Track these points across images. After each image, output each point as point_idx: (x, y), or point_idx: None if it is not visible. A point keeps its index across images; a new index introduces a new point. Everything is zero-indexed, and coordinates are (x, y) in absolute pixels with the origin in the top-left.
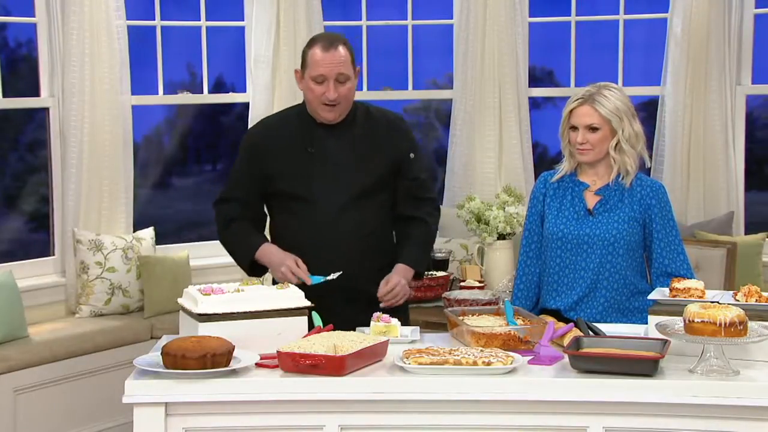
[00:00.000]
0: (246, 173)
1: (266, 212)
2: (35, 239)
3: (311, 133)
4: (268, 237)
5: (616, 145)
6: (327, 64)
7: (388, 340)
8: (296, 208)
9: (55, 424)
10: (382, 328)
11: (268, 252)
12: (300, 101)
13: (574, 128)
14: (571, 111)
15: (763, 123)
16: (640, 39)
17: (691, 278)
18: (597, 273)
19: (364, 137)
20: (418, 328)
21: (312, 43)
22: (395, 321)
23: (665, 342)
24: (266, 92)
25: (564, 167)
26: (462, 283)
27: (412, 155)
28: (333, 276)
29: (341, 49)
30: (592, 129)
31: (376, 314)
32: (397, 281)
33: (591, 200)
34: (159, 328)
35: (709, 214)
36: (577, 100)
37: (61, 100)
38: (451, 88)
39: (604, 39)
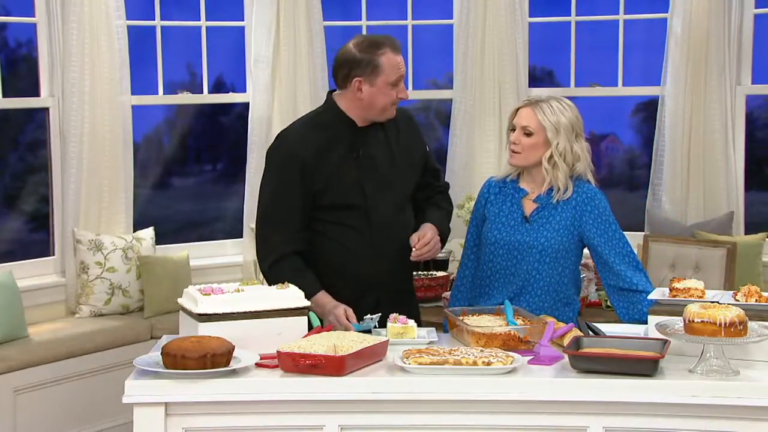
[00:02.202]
0: (293, 191)
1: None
2: (35, 239)
3: (352, 138)
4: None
5: (549, 157)
6: (401, 65)
7: (387, 340)
8: (349, 217)
9: (55, 424)
10: (399, 329)
11: (321, 303)
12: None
13: (512, 130)
14: (515, 111)
15: (763, 123)
16: (640, 39)
17: (641, 279)
18: (524, 280)
19: (395, 137)
20: (434, 329)
21: (378, 47)
22: (412, 322)
23: (665, 342)
24: (266, 92)
25: (507, 168)
26: None
27: (427, 147)
28: (371, 319)
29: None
30: (527, 133)
31: (393, 315)
32: (432, 234)
33: (529, 207)
34: (159, 328)
35: (709, 214)
36: (525, 101)
37: (61, 100)
38: (451, 88)
39: (604, 39)
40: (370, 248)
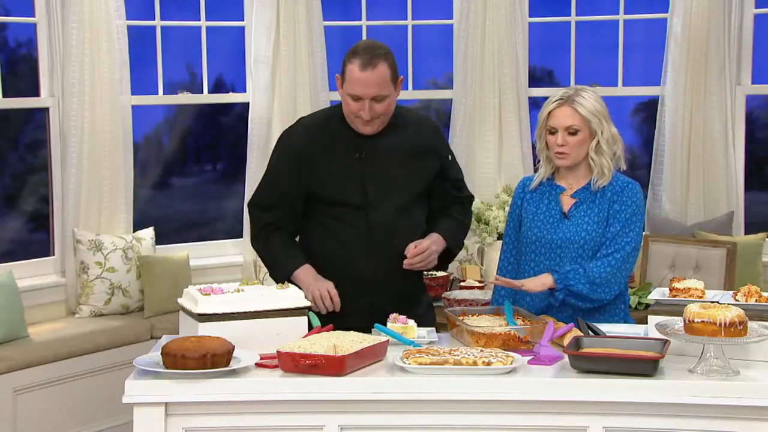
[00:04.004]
0: (289, 179)
1: (303, 217)
2: (35, 239)
3: (357, 138)
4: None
5: (596, 146)
6: (363, 84)
7: (387, 339)
8: (347, 214)
9: (55, 424)
10: (398, 329)
11: (304, 276)
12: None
13: (551, 132)
14: (549, 113)
15: (763, 123)
16: (640, 39)
17: (617, 248)
18: None
19: (409, 141)
20: (434, 329)
21: (353, 55)
22: (412, 322)
23: (665, 342)
24: (266, 92)
25: (541, 173)
26: (462, 283)
27: (450, 157)
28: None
29: (380, 68)
30: (572, 132)
31: (393, 315)
32: (428, 245)
33: (567, 203)
34: (159, 328)
35: (709, 214)
36: (556, 101)
37: (61, 100)
38: (451, 88)
39: (604, 39)
40: (368, 248)
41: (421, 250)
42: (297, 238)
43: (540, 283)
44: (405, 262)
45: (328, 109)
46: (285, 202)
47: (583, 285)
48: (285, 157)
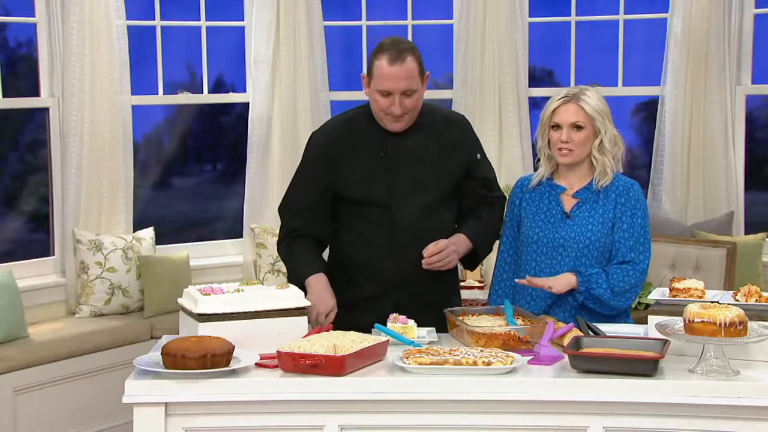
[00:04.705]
0: (315, 181)
1: (332, 219)
2: (35, 239)
3: (383, 137)
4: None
5: (599, 144)
6: (393, 78)
7: (387, 339)
8: (372, 213)
9: (55, 424)
10: (399, 329)
11: (314, 284)
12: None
13: (555, 128)
14: (554, 110)
15: (763, 123)
16: (640, 39)
17: (637, 259)
18: None
19: (437, 139)
20: (434, 329)
21: (379, 51)
22: (412, 322)
23: (665, 342)
24: (266, 92)
25: (540, 171)
26: (462, 283)
27: (478, 156)
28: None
29: (409, 62)
30: (577, 127)
31: (393, 315)
32: (446, 244)
33: (568, 203)
34: (159, 328)
35: (709, 214)
36: (561, 98)
37: (61, 100)
38: (451, 88)
39: (604, 39)
40: (392, 247)
41: (439, 249)
42: (326, 244)
43: (566, 282)
44: (423, 261)
45: (353, 110)
46: (311, 205)
47: (604, 290)
48: (309, 161)
